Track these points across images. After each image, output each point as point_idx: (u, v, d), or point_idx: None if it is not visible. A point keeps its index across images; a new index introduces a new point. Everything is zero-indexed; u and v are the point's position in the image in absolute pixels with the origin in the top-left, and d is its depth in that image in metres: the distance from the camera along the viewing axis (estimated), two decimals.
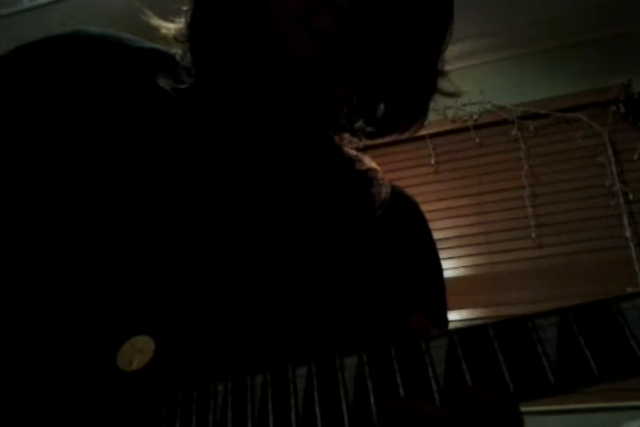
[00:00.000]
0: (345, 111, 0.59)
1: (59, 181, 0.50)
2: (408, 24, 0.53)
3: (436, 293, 0.63)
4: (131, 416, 0.40)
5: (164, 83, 0.54)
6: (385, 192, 0.61)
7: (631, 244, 2.43)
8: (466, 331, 0.36)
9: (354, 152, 0.64)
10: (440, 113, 2.68)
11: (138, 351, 0.42)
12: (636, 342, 0.32)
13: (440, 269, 0.65)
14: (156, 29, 0.57)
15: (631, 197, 2.49)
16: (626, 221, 2.46)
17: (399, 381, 0.36)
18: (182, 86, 0.54)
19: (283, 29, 0.49)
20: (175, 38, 0.56)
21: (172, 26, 0.56)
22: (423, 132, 2.74)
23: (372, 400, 0.36)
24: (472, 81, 2.60)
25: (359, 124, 0.60)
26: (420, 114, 0.59)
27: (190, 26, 0.54)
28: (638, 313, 0.32)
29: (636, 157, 2.52)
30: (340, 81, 0.53)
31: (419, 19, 0.54)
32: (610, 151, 2.56)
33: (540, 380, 0.33)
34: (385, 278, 0.56)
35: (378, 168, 0.63)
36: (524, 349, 0.34)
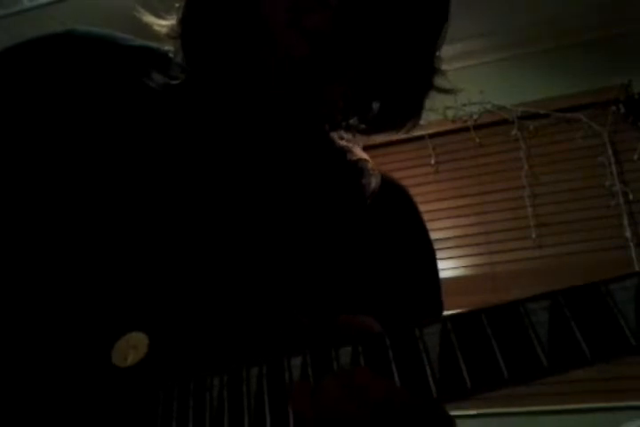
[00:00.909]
0: (341, 106, 0.59)
1: (53, 180, 0.50)
2: (402, 20, 0.53)
3: (429, 279, 0.63)
4: (127, 412, 0.40)
5: (155, 81, 0.54)
6: (375, 182, 0.61)
7: (631, 244, 2.43)
8: (459, 317, 0.36)
9: (345, 143, 0.64)
10: (440, 113, 2.68)
11: (132, 347, 0.42)
12: (625, 323, 0.32)
13: (433, 256, 0.65)
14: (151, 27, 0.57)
15: (631, 197, 2.49)
16: (626, 221, 2.46)
17: (394, 367, 0.36)
18: (174, 82, 0.54)
19: (275, 29, 0.49)
20: (168, 35, 0.56)
21: (164, 22, 0.56)
22: (423, 132, 2.74)
23: None
24: (472, 81, 2.60)
25: (354, 120, 0.60)
26: (416, 111, 0.59)
27: (182, 22, 0.54)
28: (627, 294, 0.32)
29: (636, 157, 2.52)
30: (336, 79, 0.53)
31: (413, 15, 0.53)
32: (610, 151, 2.56)
33: (533, 363, 0.33)
34: (379, 268, 0.56)
35: (368, 158, 0.63)
36: (517, 333, 0.34)
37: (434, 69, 0.58)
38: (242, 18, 0.51)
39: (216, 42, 0.53)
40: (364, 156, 0.63)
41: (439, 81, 0.59)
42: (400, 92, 0.58)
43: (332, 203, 0.57)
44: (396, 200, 0.64)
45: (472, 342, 0.35)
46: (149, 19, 0.57)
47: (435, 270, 0.64)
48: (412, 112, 0.59)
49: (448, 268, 2.62)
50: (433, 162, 2.83)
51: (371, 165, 0.62)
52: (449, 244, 2.65)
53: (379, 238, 0.58)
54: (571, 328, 0.33)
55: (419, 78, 0.58)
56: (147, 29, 0.58)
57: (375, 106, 0.58)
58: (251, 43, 0.51)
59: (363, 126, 0.60)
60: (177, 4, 0.55)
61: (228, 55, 0.53)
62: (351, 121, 0.60)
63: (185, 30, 0.54)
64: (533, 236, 2.58)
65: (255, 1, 0.50)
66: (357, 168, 0.61)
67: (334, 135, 0.63)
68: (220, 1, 0.52)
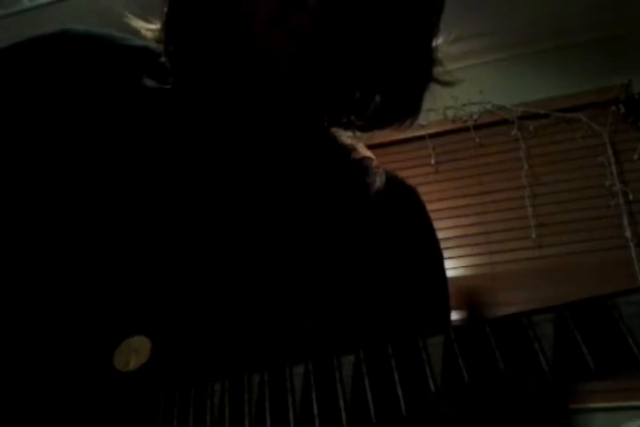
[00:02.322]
0: (341, 104, 0.59)
1: (50, 181, 0.49)
2: (392, 12, 0.52)
3: (436, 281, 0.62)
4: (128, 417, 0.40)
5: (150, 82, 0.54)
6: (379, 181, 0.60)
7: (631, 244, 2.43)
8: (462, 328, 0.36)
9: (349, 141, 0.63)
10: (440, 113, 2.67)
11: (134, 352, 0.41)
12: (632, 337, 0.31)
13: (440, 258, 0.63)
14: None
15: (631, 197, 2.49)
16: (626, 221, 2.46)
17: (396, 378, 0.36)
18: (167, 87, 0.54)
19: (259, 33, 0.49)
20: (155, 40, 0.55)
21: (153, 27, 0.56)
22: (423, 132, 2.74)
23: (369, 398, 0.36)
24: (472, 81, 2.60)
25: (354, 117, 0.59)
26: (416, 105, 0.58)
27: (164, 28, 0.54)
28: (634, 308, 0.32)
29: (636, 157, 2.52)
30: (330, 75, 0.52)
31: (403, 6, 0.52)
32: (610, 151, 2.56)
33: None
34: (382, 270, 0.56)
35: (373, 157, 0.62)
36: (521, 345, 0.34)
37: (431, 61, 0.57)
38: (225, 23, 0.51)
39: (200, 48, 0.53)
40: (369, 154, 0.62)
41: (439, 73, 0.57)
42: (398, 85, 0.57)
43: (335, 202, 0.56)
44: (403, 200, 0.63)
45: (475, 354, 0.34)
46: (138, 23, 0.57)
47: (442, 272, 0.63)
48: (413, 106, 0.58)
49: (448, 268, 2.61)
50: (433, 162, 2.83)
51: (375, 163, 0.61)
52: (449, 244, 2.65)
53: (384, 239, 0.57)
54: (576, 342, 0.32)
55: (416, 70, 0.56)
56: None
57: (375, 101, 0.57)
58: (236, 47, 0.51)
59: (363, 123, 0.59)
60: (163, 9, 0.55)
61: (214, 60, 0.53)
62: (351, 117, 0.59)
63: (167, 36, 0.54)
64: (533, 236, 2.58)
65: (237, 5, 0.50)
66: (361, 166, 0.60)
67: (337, 133, 0.62)
68: (202, 7, 0.52)
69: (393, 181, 0.62)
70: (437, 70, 0.57)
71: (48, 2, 2.60)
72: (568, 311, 0.34)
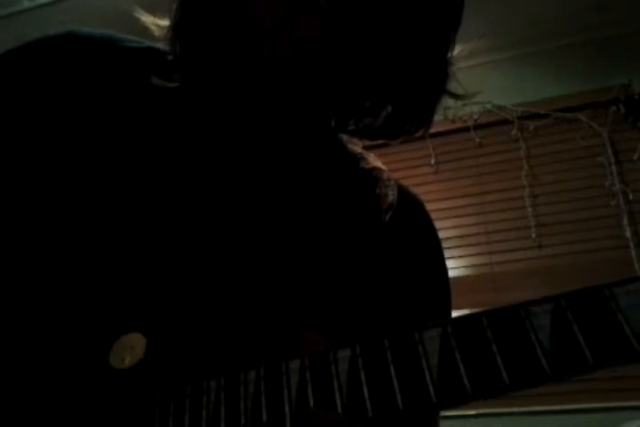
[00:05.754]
0: (349, 111, 0.58)
1: (54, 179, 0.49)
2: (401, 27, 0.51)
3: (441, 301, 0.61)
4: (124, 414, 0.40)
5: (156, 82, 0.53)
6: (392, 194, 0.59)
7: (631, 244, 2.43)
8: (459, 320, 0.36)
9: (358, 149, 0.62)
10: (440, 113, 2.66)
11: (130, 349, 0.41)
12: (629, 328, 0.31)
13: (446, 276, 0.63)
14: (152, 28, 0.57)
15: (631, 197, 2.49)
16: (626, 221, 2.46)
17: (393, 372, 0.36)
18: (173, 85, 0.53)
19: (265, 38, 0.48)
20: (164, 37, 0.55)
21: (163, 24, 0.56)
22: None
23: (365, 392, 0.36)
24: (472, 81, 2.60)
25: (364, 126, 0.58)
26: (428, 117, 0.57)
27: (173, 27, 0.54)
28: (631, 298, 0.32)
29: (635, 157, 2.52)
30: (332, 81, 0.52)
31: (416, 21, 0.51)
32: (610, 151, 2.56)
33: (534, 368, 0.33)
34: (388, 284, 0.55)
35: (384, 167, 0.61)
36: (518, 337, 0.34)
37: (446, 74, 0.56)
38: (232, 23, 0.50)
39: (207, 47, 0.52)
40: (379, 164, 0.61)
41: (453, 86, 0.56)
42: (410, 96, 0.56)
43: (343, 211, 0.55)
44: (413, 215, 0.62)
45: (472, 346, 0.34)
46: (148, 19, 0.57)
47: (447, 293, 0.62)
48: (424, 118, 0.57)
49: (448, 268, 2.61)
50: (433, 162, 2.83)
51: (386, 174, 0.60)
52: (449, 244, 2.65)
53: (392, 253, 0.57)
54: (573, 332, 0.32)
55: (429, 83, 0.55)
56: (146, 30, 0.57)
57: (386, 110, 0.56)
58: (242, 47, 0.51)
59: (372, 132, 0.58)
60: (171, 8, 0.54)
61: (220, 61, 0.52)
62: (360, 126, 0.58)
63: (175, 35, 0.53)
64: (533, 236, 2.58)
65: (245, 10, 0.50)
66: (371, 177, 0.59)
67: (346, 140, 0.61)
68: (210, 10, 0.51)
69: (402, 195, 0.61)
70: (451, 83, 0.56)
71: (48, 2, 2.60)
72: (565, 302, 0.33)
